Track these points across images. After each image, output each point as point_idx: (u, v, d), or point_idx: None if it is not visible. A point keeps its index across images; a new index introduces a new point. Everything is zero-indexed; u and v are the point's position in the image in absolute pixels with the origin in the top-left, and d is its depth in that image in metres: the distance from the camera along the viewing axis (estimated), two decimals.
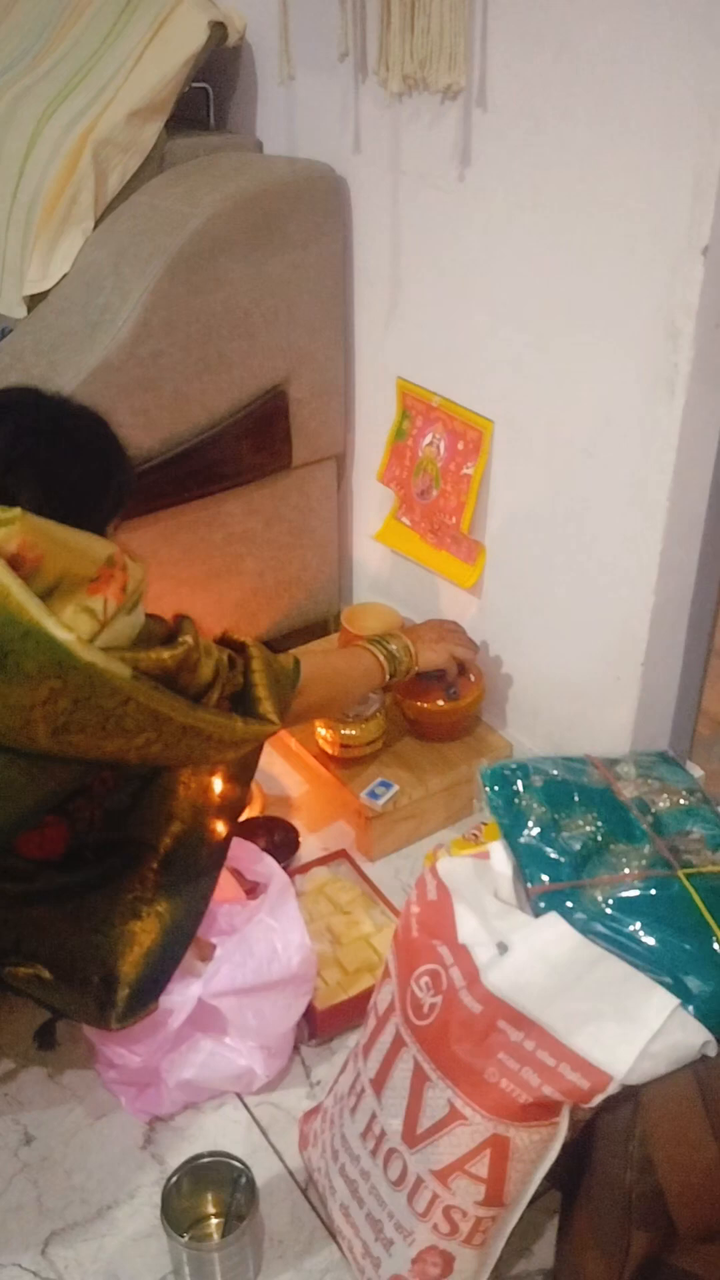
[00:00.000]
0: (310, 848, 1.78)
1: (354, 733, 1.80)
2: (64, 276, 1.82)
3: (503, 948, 1.10)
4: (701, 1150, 1.02)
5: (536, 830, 1.26)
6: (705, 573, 1.59)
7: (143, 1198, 1.34)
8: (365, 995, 1.36)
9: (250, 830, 1.69)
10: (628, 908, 1.16)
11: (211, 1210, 1.29)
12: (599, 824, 1.27)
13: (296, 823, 1.78)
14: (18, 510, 1.13)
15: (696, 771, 1.44)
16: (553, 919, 1.13)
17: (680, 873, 1.21)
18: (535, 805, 1.28)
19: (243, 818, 1.51)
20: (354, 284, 1.93)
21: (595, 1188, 1.11)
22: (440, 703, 1.82)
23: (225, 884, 1.50)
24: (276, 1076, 1.45)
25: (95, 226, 1.82)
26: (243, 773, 1.44)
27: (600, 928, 1.14)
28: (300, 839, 1.76)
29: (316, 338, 1.91)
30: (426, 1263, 1.13)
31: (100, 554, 1.18)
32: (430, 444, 1.86)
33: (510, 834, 1.26)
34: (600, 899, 1.17)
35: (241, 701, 1.36)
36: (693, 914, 1.16)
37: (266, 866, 1.51)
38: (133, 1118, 1.42)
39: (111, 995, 1.32)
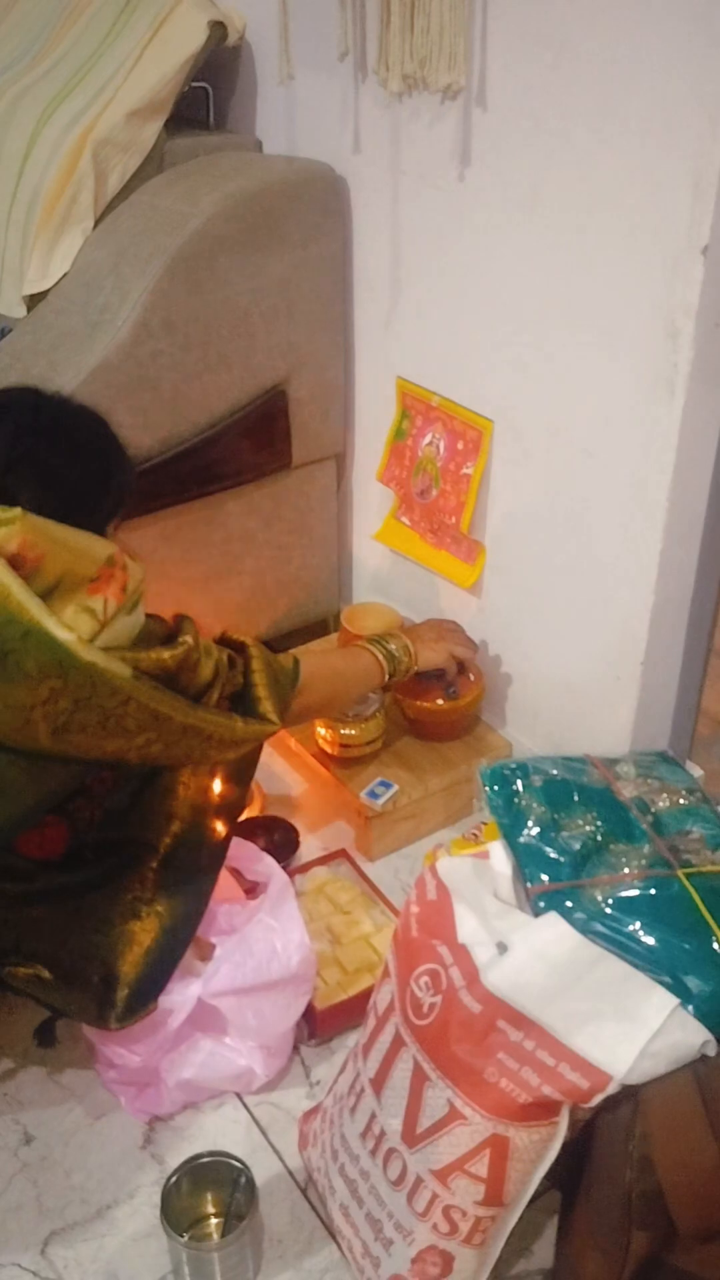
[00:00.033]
0: (310, 847, 1.78)
1: (353, 732, 1.80)
2: (63, 276, 1.82)
3: (502, 947, 1.10)
4: (701, 1150, 1.02)
5: (536, 830, 1.26)
6: (705, 573, 1.59)
7: (142, 1197, 1.34)
8: (365, 995, 1.36)
9: (250, 830, 1.69)
10: (627, 907, 1.16)
11: (211, 1210, 1.29)
12: (599, 824, 1.27)
13: (296, 822, 1.78)
14: (18, 510, 1.13)
15: (696, 771, 1.44)
16: (552, 919, 1.13)
17: (680, 872, 1.21)
18: (535, 805, 1.28)
19: (242, 817, 1.51)
20: (354, 284, 1.93)
21: (595, 1187, 1.11)
22: (440, 702, 1.82)
23: (225, 884, 1.50)
24: (276, 1076, 1.45)
25: (95, 226, 1.82)
26: (242, 772, 1.44)
27: (600, 927, 1.14)
28: (300, 839, 1.76)
29: (316, 337, 1.91)
30: (426, 1262, 1.13)
31: (100, 554, 1.18)
32: (430, 444, 1.86)
33: (510, 834, 1.26)
34: (600, 899, 1.17)
35: (241, 701, 1.36)
36: (692, 914, 1.16)
37: (266, 866, 1.51)
38: (132, 1117, 1.42)
39: (111, 995, 1.32)
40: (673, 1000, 1.05)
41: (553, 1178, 1.11)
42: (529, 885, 1.21)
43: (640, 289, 1.41)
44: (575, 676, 1.75)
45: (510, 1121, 1.05)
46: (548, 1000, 1.05)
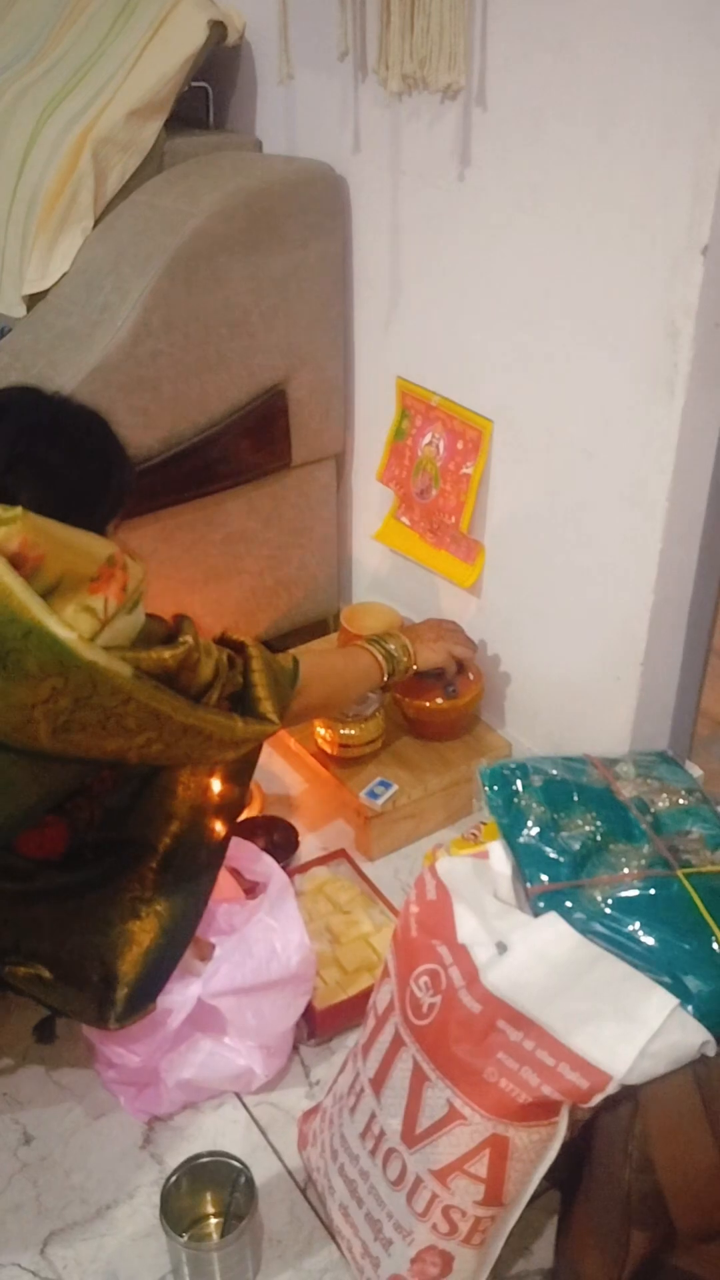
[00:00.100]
0: (309, 847, 1.78)
1: (353, 732, 1.80)
2: (63, 276, 1.82)
3: (502, 947, 1.10)
4: (701, 1150, 1.03)
5: (536, 830, 1.26)
6: (704, 573, 1.59)
7: (142, 1197, 1.34)
8: (364, 995, 1.36)
9: (249, 830, 1.69)
10: (627, 907, 1.16)
11: (210, 1210, 1.29)
12: (598, 824, 1.27)
13: (296, 822, 1.78)
14: (19, 509, 1.13)
15: (696, 771, 1.44)
16: (552, 919, 1.13)
17: (679, 872, 1.21)
18: (534, 805, 1.28)
19: (242, 817, 1.51)
20: (353, 283, 1.93)
21: (594, 1187, 1.11)
22: (439, 701, 1.82)
23: (224, 883, 1.50)
24: (276, 1076, 1.45)
25: (95, 225, 1.82)
26: (241, 772, 1.44)
27: (599, 927, 1.14)
28: (299, 838, 1.76)
29: (316, 337, 1.91)
30: (425, 1262, 1.13)
31: (101, 553, 1.18)
32: (430, 443, 1.86)
33: (509, 834, 1.26)
34: (599, 899, 1.17)
35: (241, 701, 1.36)
36: (692, 914, 1.16)
37: (266, 866, 1.51)
38: (132, 1117, 1.42)
39: (111, 994, 1.32)
40: (672, 1000, 1.05)
41: (552, 1178, 1.11)
42: (528, 885, 1.21)
43: (640, 289, 1.41)
44: (575, 676, 1.75)
45: (510, 1121, 1.05)
46: (547, 1000, 1.05)
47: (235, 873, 1.54)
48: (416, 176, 1.71)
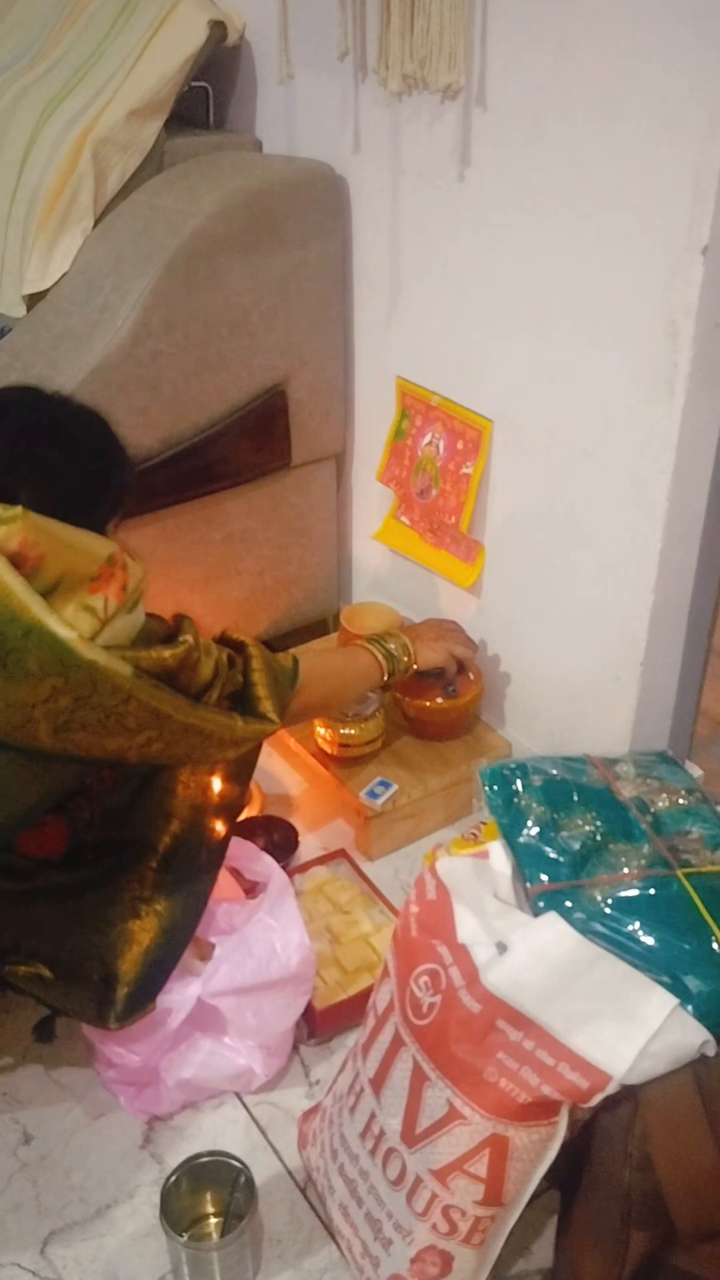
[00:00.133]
0: (309, 847, 1.78)
1: (353, 732, 1.80)
2: (63, 275, 1.82)
3: (502, 947, 1.10)
4: (700, 1150, 1.03)
5: (536, 830, 1.26)
6: (704, 573, 1.59)
7: (142, 1197, 1.34)
8: (364, 995, 1.36)
9: (249, 830, 1.69)
10: (627, 907, 1.16)
11: (210, 1210, 1.29)
12: (598, 824, 1.27)
13: (295, 822, 1.78)
14: (19, 509, 1.13)
15: (696, 771, 1.44)
16: (552, 918, 1.13)
17: (679, 872, 1.21)
18: (534, 805, 1.28)
19: (242, 817, 1.51)
20: (353, 283, 1.94)
21: (594, 1187, 1.11)
22: (439, 701, 1.82)
23: (224, 883, 1.50)
24: (275, 1076, 1.45)
25: (95, 225, 1.82)
26: (241, 772, 1.44)
27: (599, 927, 1.14)
28: (299, 838, 1.76)
29: (316, 337, 1.91)
30: (425, 1262, 1.13)
31: (101, 553, 1.18)
32: (430, 443, 1.86)
33: (509, 833, 1.26)
34: (599, 898, 1.17)
35: (241, 700, 1.36)
36: (692, 914, 1.16)
37: (265, 866, 1.51)
38: (132, 1117, 1.42)
39: (110, 994, 1.32)
40: (672, 1000, 1.05)
41: (552, 1177, 1.11)
42: (528, 885, 1.21)
43: (640, 289, 1.41)
44: (575, 676, 1.75)
45: (510, 1121, 1.05)
46: (547, 1000, 1.05)
47: (235, 872, 1.54)
48: (416, 176, 1.71)
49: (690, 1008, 1.06)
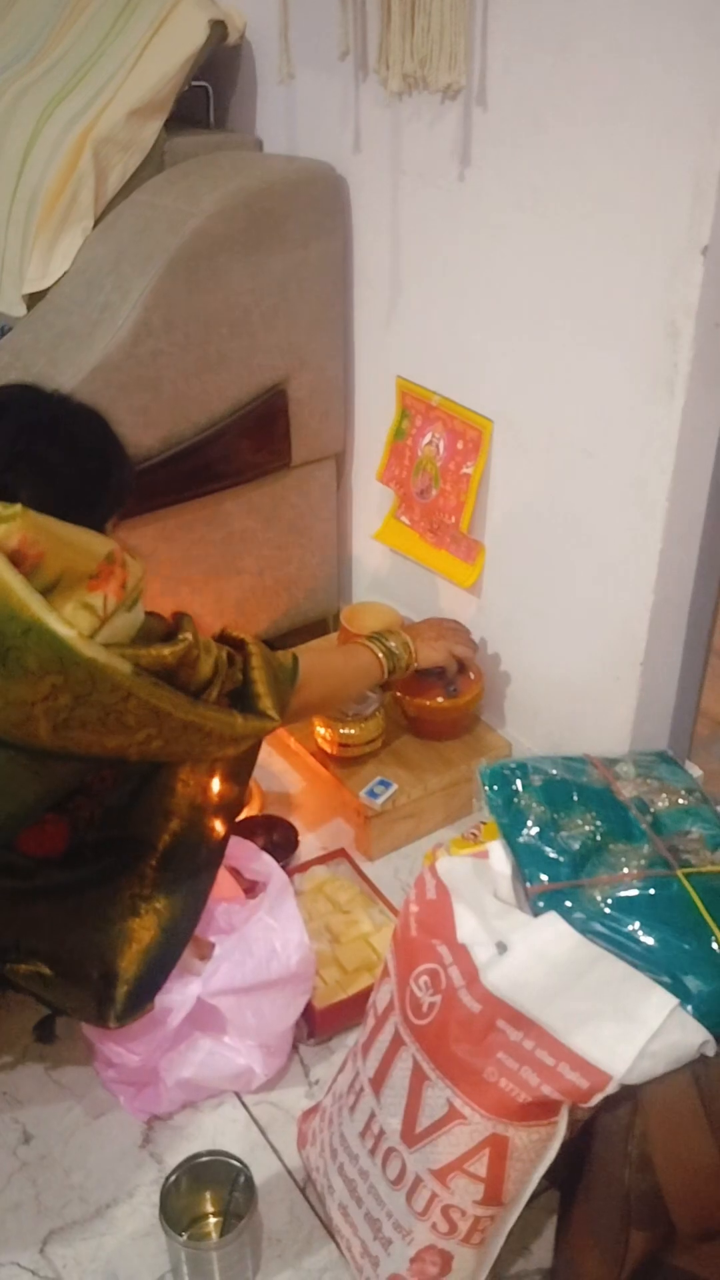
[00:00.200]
0: (309, 847, 1.78)
1: (353, 732, 1.80)
2: (64, 275, 1.82)
3: (502, 947, 1.10)
4: (700, 1150, 1.03)
5: (535, 830, 1.26)
6: (704, 573, 1.59)
7: (141, 1196, 1.34)
8: (364, 994, 1.36)
9: (249, 829, 1.69)
10: (627, 907, 1.16)
11: (210, 1209, 1.29)
12: (598, 823, 1.27)
13: (295, 822, 1.78)
14: (19, 507, 1.13)
15: (695, 771, 1.44)
16: (552, 918, 1.13)
17: (679, 872, 1.21)
18: (534, 805, 1.28)
19: (241, 817, 1.51)
20: (354, 283, 1.94)
21: (594, 1187, 1.11)
22: (440, 700, 1.82)
23: (224, 883, 1.50)
24: (275, 1075, 1.45)
25: (95, 225, 1.82)
26: (240, 771, 1.44)
27: (599, 927, 1.14)
28: (299, 838, 1.76)
29: (316, 337, 1.91)
30: (425, 1262, 1.13)
31: (100, 551, 1.19)
32: (430, 443, 1.86)
33: (509, 833, 1.26)
34: (599, 898, 1.17)
35: (241, 698, 1.36)
36: (692, 914, 1.16)
37: (265, 865, 1.51)
38: (131, 1116, 1.42)
39: (110, 992, 1.32)
40: (672, 1000, 1.05)
41: (552, 1177, 1.11)
42: (528, 885, 1.21)
43: (640, 289, 1.41)
44: (575, 676, 1.75)
45: (509, 1121, 1.05)
46: (547, 1000, 1.05)
47: (235, 872, 1.54)
48: (417, 176, 1.71)
49: (690, 1008, 1.06)
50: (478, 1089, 1.06)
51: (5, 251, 1.86)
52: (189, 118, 1.95)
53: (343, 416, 2.03)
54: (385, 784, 1.79)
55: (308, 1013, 1.45)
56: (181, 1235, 1.23)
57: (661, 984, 1.07)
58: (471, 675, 1.84)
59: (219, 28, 1.82)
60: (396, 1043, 1.15)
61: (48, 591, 1.13)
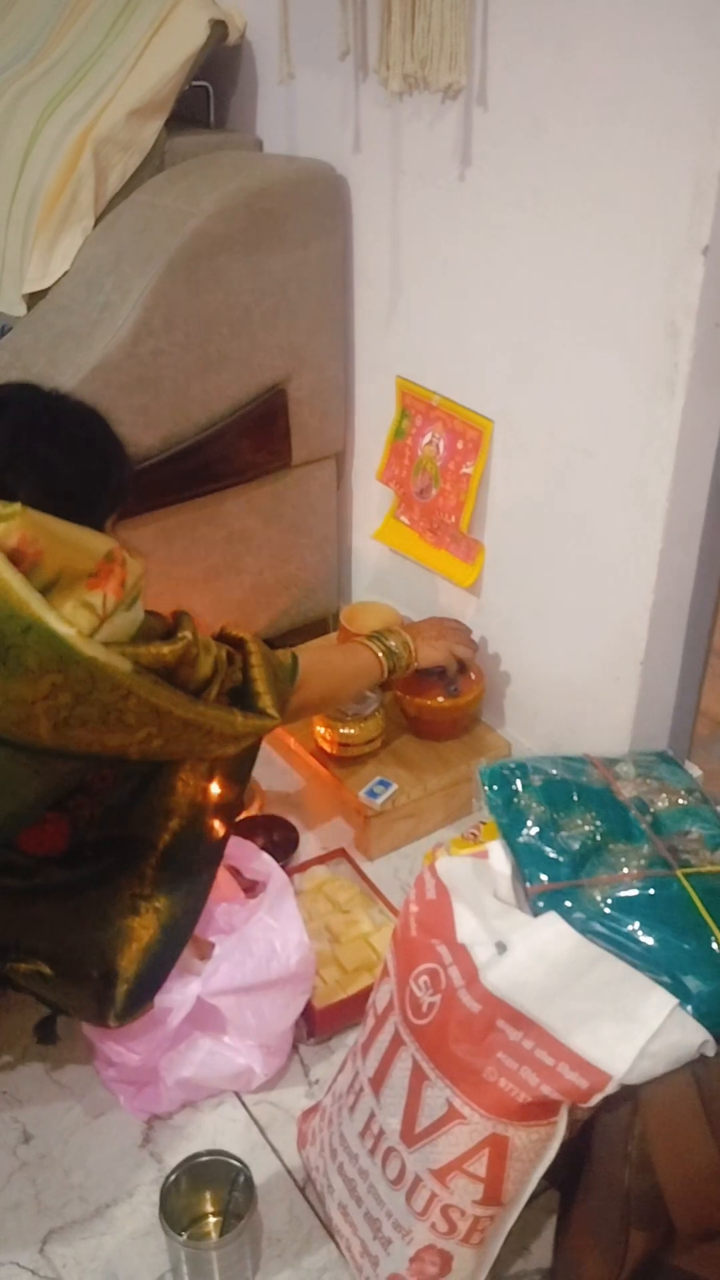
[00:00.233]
0: (309, 846, 1.78)
1: (353, 732, 1.80)
2: (64, 275, 1.82)
3: (501, 947, 1.10)
4: (700, 1150, 1.03)
5: (535, 830, 1.26)
6: (705, 573, 1.59)
7: (141, 1196, 1.34)
8: (364, 994, 1.36)
9: (249, 829, 1.68)
10: (626, 907, 1.16)
11: (210, 1209, 1.29)
12: (598, 823, 1.27)
13: (295, 821, 1.78)
14: (18, 505, 1.13)
15: (695, 771, 1.44)
16: (551, 918, 1.13)
17: (679, 872, 1.21)
18: (534, 805, 1.28)
19: (242, 816, 1.51)
20: (354, 283, 1.93)
21: (594, 1187, 1.11)
22: (441, 700, 1.82)
23: (224, 883, 1.50)
24: (275, 1075, 1.45)
25: (95, 225, 1.82)
26: (240, 770, 1.44)
27: (599, 927, 1.14)
28: (299, 838, 1.76)
29: (316, 336, 1.91)
30: (425, 1261, 1.13)
31: (99, 549, 1.19)
32: (430, 443, 1.86)
33: (509, 833, 1.26)
34: (599, 898, 1.17)
35: (241, 697, 1.36)
36: (691, 914, 1.16)
37: (265, 865, 1.51)
38: (131, 1116, 1.42)
39: (110, 991, 1.32)
40: (672, 1000, 1.05)
41: (551, 1177, 1.11)
42: (528, 885, 1.21)
43: (641, 289, 1.41)
44: (575, 676, 1.75)
45: (509, 1121, 1.05)
46: (547, 1000, 1.05)
47: (235, 872, 1.54)
48: (417, 176, 1.71)
49: (690, 1008, 1.06)
50: (477, 1089, 1.06)
51: (5, 251, 1.86)
52: (189, 118, 1.95)
53: (343, 416, 2.03)
54: (385, 784, 1.79)
55: (307, 1012, 1.45)
56: (181, 1235, 1.23)
57: (661, 984, 1.07)
58: (472, 675, 1.84)
59: (219, 27, 1.82)
60: (396, 1042, 1.15)
61: (47, 590, 1.13)
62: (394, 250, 1.82)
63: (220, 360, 1.80)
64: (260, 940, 1.39)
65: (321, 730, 1.82)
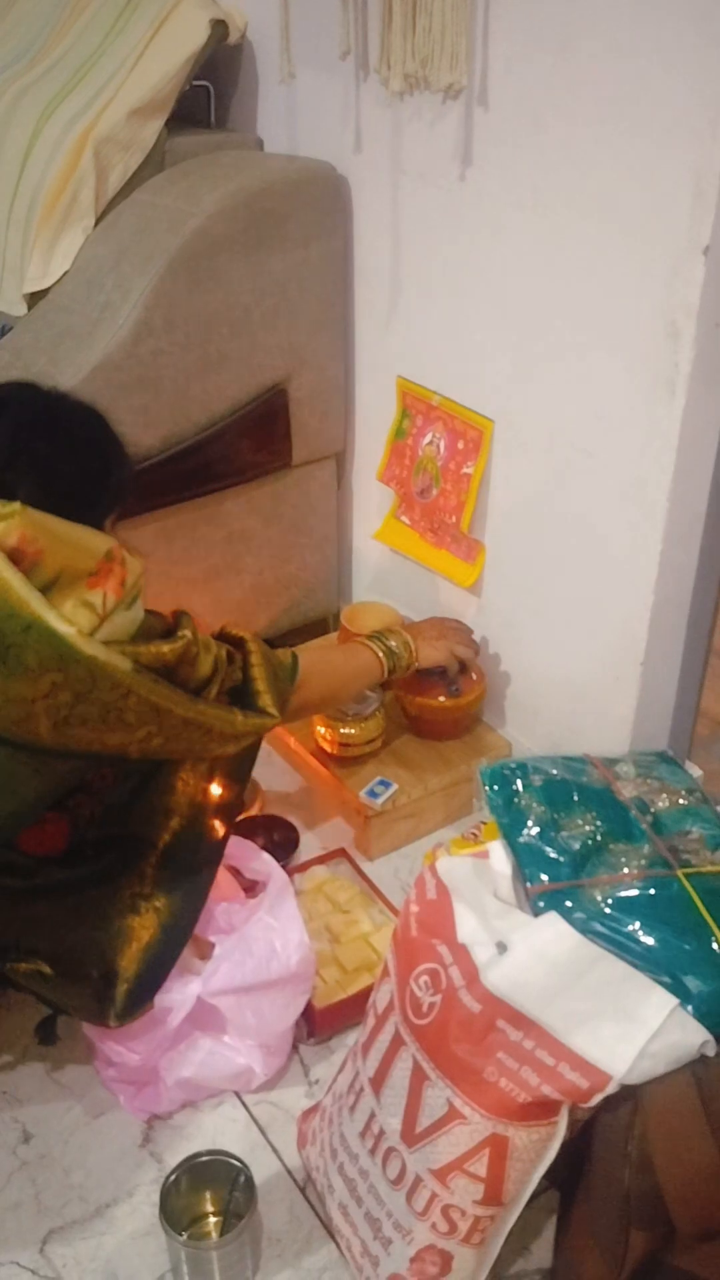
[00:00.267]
0: (309, 846, 1.78)
1: (353, 731, 1.80)
2: (64, 274, 1.82)
3: (502, 947, 1.10)
4: (700, 1150, 1.03)
5: (536, 830, 1.26)
6: (705, 573, 1.59)
7: (141, 1196, 1.34)
8: (364, 994, 1.36)
9: (250, 829, 1.68)
10: (627, 907, 1.16)
11: (210, 1209, 1.29)
12: (598, 823, 1.27)
13: (295, 821, 1.78)
14: (17, 504, 1.13)
15: (695, 771, 1.44)
16: (552, 918, 1.13)
17: (679, 872, 1.21)
18: (535, 805, 1.28)
19: (242, 816, 1.51)
20: (354, 283, 1.93)
21: (594, 1187, 1.11)
22: (442, 699, 1.82)
23: (224, 882, 1.50)
24: (275, 1075, 1.45)
25: (96, 224, 1.82)
26: (240, 769, 1.44)
27: (599, 927, 1.14)
28: (299, 837, 1.76)
29: (317, 336, 1.91)
30: (425, 1261, 1.13)
31: (99, 548, 1.18)
32: (430, 443, 1.86)
33: (509, 833, 1.26)
34: (599, 898, 1.17)
35: (241, 696, 1.37)
36: (692, 914, 1.16)
37: (265, 865, 1.51)
38: (131, 1116, 1.42)
39: (110, 991, 1.32)
40: (672, 1000, 1.05)
41: (552, 1177, 1.11)
42: (529, 885, 1.21)
43: (641, 289, 1.41)
44: (575, 676, 1.75)
45: (509, 1121, 1.05)
46: (547, 1000, 1.05)
47: (235, 871, 1.54)
48: (418, 176, 1.71)
49: (690, 1008, 1.06)
50: (478, 1089, 1.06)
51: (6, 250, 1.86)
52: (190, 117, 1.95)
53: (343, 416, 2.03)
54: (385, 784, 1.79)
55: (308, 1012, 1.45)
56: (181, 1235, 1.23)
57: (661, 984, 1.07)
58: (473, 675, 1.84)
59: (220, 27, 1.82)
60: (396, 1042, 1.15)
61: (47, 589, 1.13)
62: (394, 250, 1.82)
63: (220, 360, 1.80)
64: (260, 940, 1.39)
65: (322, 730, 1.82)
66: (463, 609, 1.92)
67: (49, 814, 1.35)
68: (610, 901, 1.17)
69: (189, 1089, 1.41)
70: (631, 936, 1.13)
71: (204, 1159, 1.27)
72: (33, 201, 1.79)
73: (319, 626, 2.21)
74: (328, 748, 1.83)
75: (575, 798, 1.30)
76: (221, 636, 1.40)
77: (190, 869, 1.40)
